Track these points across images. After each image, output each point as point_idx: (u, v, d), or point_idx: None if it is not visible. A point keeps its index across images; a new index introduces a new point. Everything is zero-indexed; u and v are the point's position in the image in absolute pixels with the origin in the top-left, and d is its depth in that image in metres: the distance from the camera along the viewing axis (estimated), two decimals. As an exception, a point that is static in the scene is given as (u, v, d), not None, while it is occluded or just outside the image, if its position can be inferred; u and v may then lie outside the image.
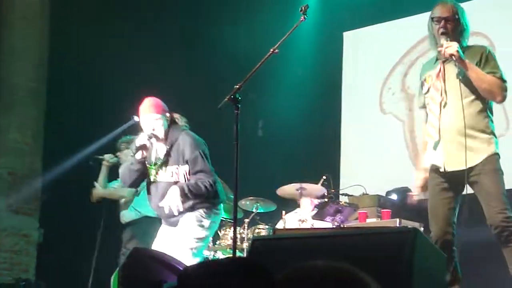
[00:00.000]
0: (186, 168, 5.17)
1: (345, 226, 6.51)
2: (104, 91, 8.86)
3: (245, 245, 6.83)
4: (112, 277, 4.36)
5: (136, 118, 8.87)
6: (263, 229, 7.08)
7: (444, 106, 4.53)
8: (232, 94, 4.54)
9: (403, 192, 7.50)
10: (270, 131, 9.60)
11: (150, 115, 5.20)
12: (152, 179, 5.28)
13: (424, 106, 4.76)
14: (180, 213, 5.16)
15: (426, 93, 4.69)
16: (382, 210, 6.98)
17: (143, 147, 5.15)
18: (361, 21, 9.15)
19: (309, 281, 1.28)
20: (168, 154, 5.19)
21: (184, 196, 5.09)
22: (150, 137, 5.18)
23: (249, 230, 7.05)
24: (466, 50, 4.61)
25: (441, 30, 4.56)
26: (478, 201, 4.52)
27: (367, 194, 7.44)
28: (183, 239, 5.13)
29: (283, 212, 7.09)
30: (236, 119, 4.52)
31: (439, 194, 4.58)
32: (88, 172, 7.59)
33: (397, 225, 6.38)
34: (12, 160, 8.93)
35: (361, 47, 9.27)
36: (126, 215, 7.18)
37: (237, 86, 4.55)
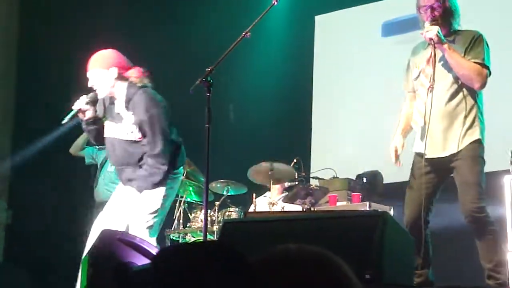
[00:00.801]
0: (134, 128, 4.94)
1: (315, 209, 6.54)
2: (76, 72, 8.76)
3: (216, 227, 6.84)
4: (82, 258, 4.35)
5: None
6: (233, 212, 7.09)
7: (432, 91, 4.54)
8: (204, 77, 4.53)
9: (373, 175, 7.56)
10: (241, 114, 9.59)
11: (92, 71, 4.94)
12: (107, 134, 5.07)
13: (413, 91, 4.76)
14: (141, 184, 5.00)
15: (416, 79, 4.68)
16: (352, 194, 7.02)
17: (80, 111, 4.94)
18: (333, 5, 9.15)
19: (282, 264, 1.28)
20: (122, 111, 4.96)
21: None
22: (92, 98, 4.94)
23: (219, 213, 7.06)
24: (458, 35, 4.62)
25: (430, 19, 4.52)
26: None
27: (338, 177, 7.46)
28: (140, 218, 4.98)
29: (254, 195, 7.11)
30: (208, 102, 4.52)
31: (419, 178, 4.61)
32: (60, 152, 7.58)
33: (367, 209, 6.43)
34: (-20, 142, 8.84)
35: (333, 31, 9.27)
36: (104, 196, 7.14)
37: (209, 69, 4.55)
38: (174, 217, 7.19)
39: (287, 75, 9.15)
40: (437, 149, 4.53)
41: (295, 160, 7.14)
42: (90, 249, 4.27)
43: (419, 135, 4.67)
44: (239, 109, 9.68)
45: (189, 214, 7.27)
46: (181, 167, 5.18)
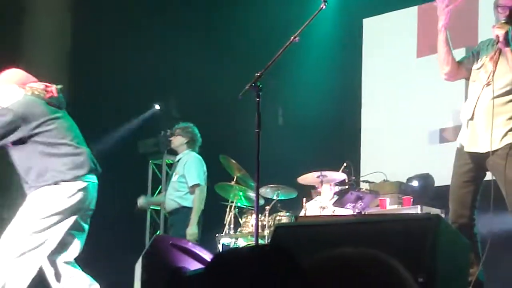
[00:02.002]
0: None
1: (366, 213, 6.51)
2: (126, 79, 8.88)
3: (266, 232, 6.85)
4: (137, 263, 4.40)
5: (157, 106, 8.99)
6: (284, 216, 7.09)
7: (487, 88, 4.52)
8: (253, 82, 4.55)
9: (424, 178, 7.49)
10: (291, 118, 9.60)
11: None
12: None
13: (467, 76, 4.73)
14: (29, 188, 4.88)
15: (477, 69, 4.66)
16: (403, 197, 6.97)
17: None
18: (381, 7, 9.11)
19: (339, 267, 1.28)
20: None
21: None
22: None
23: (270, 218, 7.07)
24: None
25: (504, 20, 4.48)
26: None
27: (388, 180, 7.43)
28: (21, 221, 4.78)
29: (304, 199, 7.10)
30: (258, 107, 4.53)
31: (460, 176, 4.59)
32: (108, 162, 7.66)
33: (419, 212, 6.37)
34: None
35: (381, 34, 9.22)
36: (168, 205, 7.28)
37: (258, 74, 4.56)
38: (224, 222, 7.23)
39: (336, 78, 9.13)
40: (475, 144, 4.51)
41: (345, 164, 7.11)
42: (143, 254, 4.33)
43: (464, 126, 4.64)
44: (288, 113, 9.69)
45: (239, 219, 7.30)
46: (86, 175, 4.95)
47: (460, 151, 4.66)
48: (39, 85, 5.09)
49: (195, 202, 7.01)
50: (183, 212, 7.08)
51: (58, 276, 4.93)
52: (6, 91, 5.03)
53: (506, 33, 4.40)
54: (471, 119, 4.55)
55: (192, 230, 6.92)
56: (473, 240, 4.51)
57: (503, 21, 4.46)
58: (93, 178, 5.01)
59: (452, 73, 4.77)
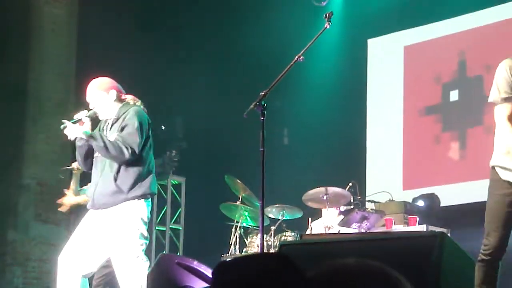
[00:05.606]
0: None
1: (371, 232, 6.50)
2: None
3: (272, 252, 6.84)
4: (144, 280, 4.40)
5: (162, 127, 9.01)
6: (289, 236, 7.07)
7: None
8: (258, 101, 4.56)
9: (430, 198, 7.49)
10: (296, 138, 9.61)
11: (89, 95, 5.12)
12: (95, 155, 5.11)
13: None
14: (112, 202, 4.89)
15: None
16: (409, 217, 6.96)
17: (77, 121, 5.01)
18: (385, 28, 9.15)
19: (341, 278, 1.28)
20: (111, 129, 5.07)
21: (101, 150, 4.89)
22: (91, 114, 5.06)
23: (275, 238, 7.06)
24: None
25: None
26: None
27: (394, 200, 7.42)
28: (126, 242, 4.77)
29: (310, 219, 7.09)
30: (262, 126, 4.54)
31: (508, 205, 4.21)
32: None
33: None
34: (40, 171, 9.01)
35: (385, 54, 9.25)
36: None
37: (263, 93, 4.57)
38: (230, 242, 7.21)
39: (341, 98, 9.15)
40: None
41: (350, 184, 7.11)
42: (149, 273, 4.33)
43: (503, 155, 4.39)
44: (294, 133, 9.70)
45: (245, 239, 7.29)
46: (149, 200, 4.99)
47: (499, 180, 4.33)
48: (135, 97, 5.27)
49: None
50: None
51: None
52: (108, 99, 5.11)
53: None
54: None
55: None
56: (497, 270, 4.29)
57: None
58: None
59: None
